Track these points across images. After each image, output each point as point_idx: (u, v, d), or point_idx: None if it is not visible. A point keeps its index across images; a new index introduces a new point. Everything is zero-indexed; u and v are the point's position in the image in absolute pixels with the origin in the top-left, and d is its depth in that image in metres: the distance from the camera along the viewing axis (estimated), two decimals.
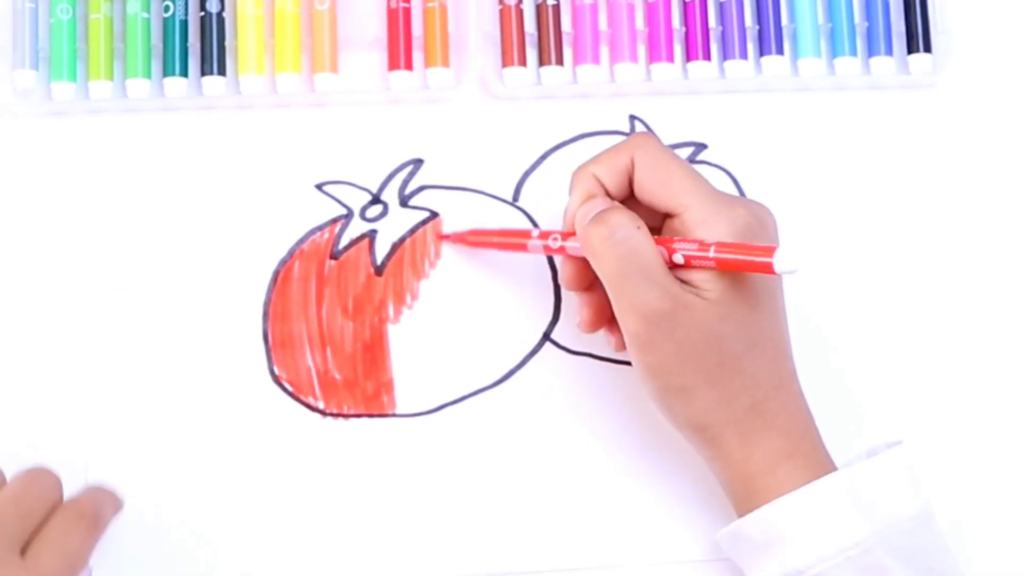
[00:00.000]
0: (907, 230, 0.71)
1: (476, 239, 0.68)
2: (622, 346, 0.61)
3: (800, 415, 0.61)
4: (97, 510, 0.61)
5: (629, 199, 0.61)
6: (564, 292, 0.69)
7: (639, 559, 0.66)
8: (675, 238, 0.59)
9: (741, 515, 0.60)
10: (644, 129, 0.71)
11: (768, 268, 0.56)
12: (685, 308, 0.58)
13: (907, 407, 0.69)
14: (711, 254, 0.57)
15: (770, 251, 0.56)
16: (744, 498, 0.60)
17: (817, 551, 0.58)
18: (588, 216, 0.59)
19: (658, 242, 0.59)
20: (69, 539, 0.59)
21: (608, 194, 0.61)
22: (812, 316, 0.69)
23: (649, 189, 0.60)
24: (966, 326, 0.70)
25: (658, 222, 0.61)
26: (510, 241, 0.66)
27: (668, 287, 0.58)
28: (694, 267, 0.58)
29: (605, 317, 0.63)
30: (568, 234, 0.62)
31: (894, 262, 0.70)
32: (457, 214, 0.70)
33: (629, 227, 0.58)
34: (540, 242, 0.64)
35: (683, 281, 0.58)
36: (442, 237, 0.69)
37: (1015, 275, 0.70)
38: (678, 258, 0.58)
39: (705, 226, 0.58)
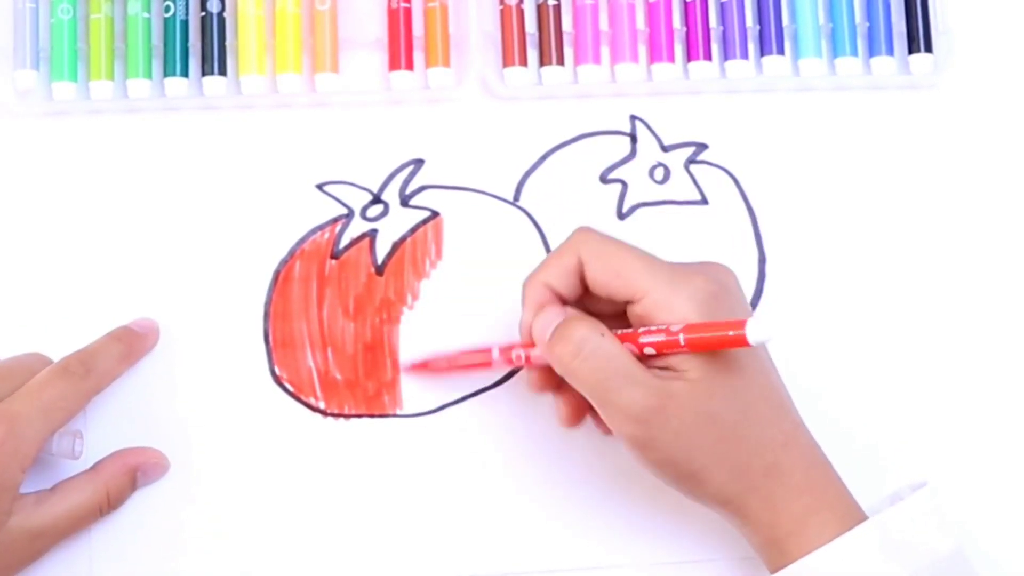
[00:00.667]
0: (907, 230, 0.71)
1: (438, 365, 0.67)
2: (609, 431, 0.60)
3: (816, 466, 0.60)
4: (87, 367, 0.63)
5: (584, 296, 0.61)
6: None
7: (639, 559, 0.66)
8: (640, 330, 0.58)
9: (774, 572, 0.59)
10: (646, 130, 0.71)
11: (742, 341, 0.55)
12: (671, 397, 0.57)
13: (920, 425, 0.69)
14: (681, 339, 0.57)
15: (740, 324, 0.55)
16: (777, 558, 0.59)
17: None
18: (547, 331, 0.59)
19: (625, 338, 0.58)
20: (46, 389, 0.62)
21: (563, 298, 0.60)
22: (813, 325, 0.69)
23: (603, 283, 0.59)
24: (965, 326, 0.70)
25: (620, 308, 0.60)
26: (472, 362, 0.65)
27: (649, 383, 0.57)
28: (666, 355, 0.58)
29: (583, 408, 0.62)
30: (529, 345, 0.61)
31: (894, 263, 0.70)
32: (458, 214, 0.69)
33: (594, 337, 0.58)
34: (503, 359, 0.63)
35: (661, 368, 0.58)
36: (406, 370, 0.67)
37: (1016, 276, 0.70)
38: (649, 350, 0.58)
39: (667, 308, 0.58)
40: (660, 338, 0.57)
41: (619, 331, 0.59)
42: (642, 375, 0.57)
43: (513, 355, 0.62)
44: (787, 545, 0.58)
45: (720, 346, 0.57)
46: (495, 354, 0.64)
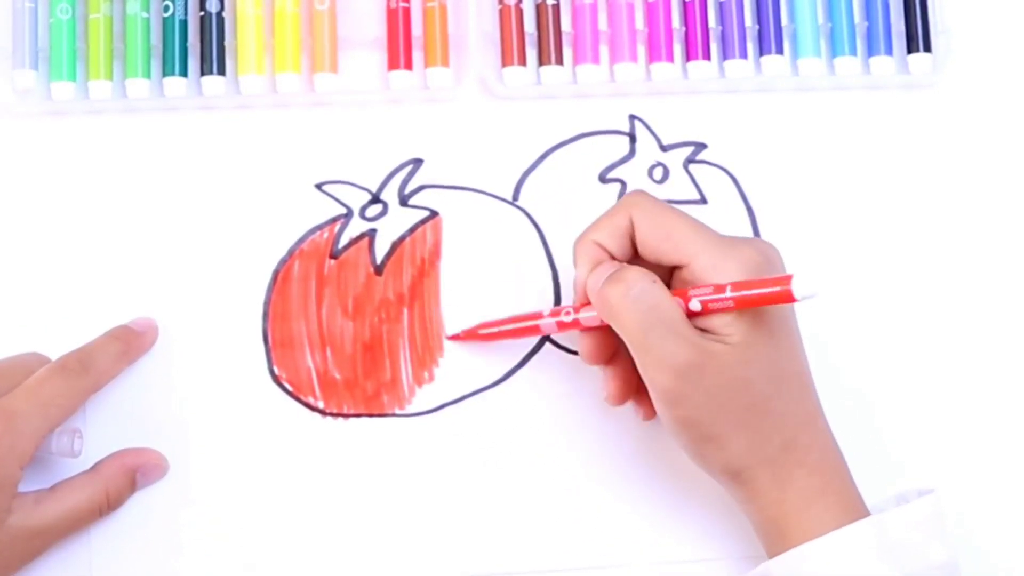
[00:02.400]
0: (907, 230, 0.71)
1: (487, 332, 0.67)
2: (652, 414, 0.61)
3: (830, 450, 0.60)
4: (85, 365, 0.63)
5: (634, 259, 0.61)
6: (564, 293, 0.69)
7: (639, 559, 0.66)
8: (689, 287, 0.59)
9: (771, 555, 0.60)
10: (645, 129, 0.71)
11: (788, 297, 0.56)
12: (711, 357, 0.57)
13: (920, 425, 0.69)
14: (728, 294, 0.57)
15: (787, 280, 0.56)
16: (776, 539, 0.59)
17: None
18: (601, 280, 0.59)
19: (675, 294, 0.58)
20: (44, 386, 0.62)
21: (613, 257, 0.61)
22: (819, 324, 0.69)
23: (653, 246, 0.60)
24: (964, 325, 0.70)
25: (666, 276, 0.60)
26: (522, 326, 0.65)
27: (692, 338, 0.58)
28: (712, 312, 0.58)
29: (632, 387, 0.62)
30: (581, 306, 0.62)
31: (894, 263, 0.70)
32: (457, 214, 0.69)
33: (645, 282, 0.58)
34: (552, 319, 0.63)
35: (703, 330, 0.58)
36: (451, 338, 0.68)
37: (1017, 276, 0.70)
38: (695, 305, 0.58)
39: (715, 271, 0.58)
40: (708, 292, 0.58)
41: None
42: (686, 329, 0.58)
43: (563, 314, 0.62)
44: (788, 523, 0.59)
45: (766, 302, 0.57)
46: (545, 315, 0.64)
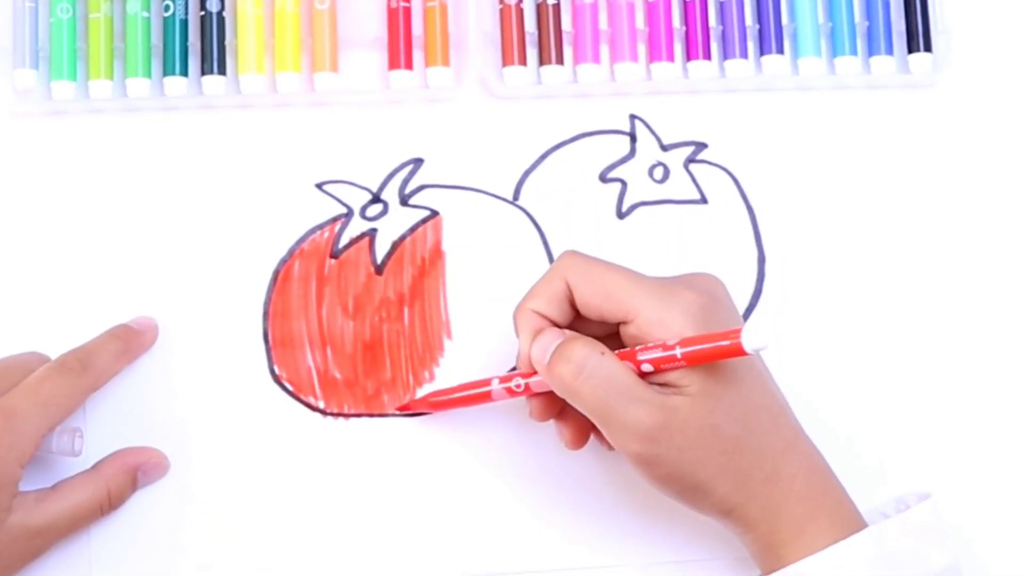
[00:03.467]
0: (907, 230, 0.71)
1: (437, 400, 0.66)
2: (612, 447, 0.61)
3: (816, 472, 0.60)
4: (84, 364, 0.63)
5: (576, 319, 0.61)
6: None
7: (638, 559, 0.66)
8: (637, 348, 0.58)
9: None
10: (646, 129, 0.71)
11: (738, 350, 0.55)
12: (674, 413, 0.57)
13: (920, 424, 0.69)
14: (678, 352, 0.57)
15: (736, 334, 0.55)
16: (774, 566, 0.59)
17: None
18: (546, 353, 0.59)
19: (623, 357, 0.58)
20: (43, 384, 0.62)
21: (555, 323, 0.60)
22: (813, 324, 0.69)
23: (595, 306, 0.59)
24: (964, 325, 0.70)
25: (612, 329, 0.60)
26: (472, 394, 0.65)
27: (653, 399, 0.57)
28: (664, 370, 0.57)
29: (587, 432, 0.62)
30: (528, 374, 0.61)
31: (894, 262, 0.70)
32: (457, 213, 0.69)
33: (595, 356, 0.58)
34: (502, 386, 0.63)
35: (660, 385, 0.58)
36: (400, 408, 0.67)
37: (1016, 276, 0.70)
38: (647, 367, 0.58)
39: (661, 325, 0.58)
40: (658, 354, 0.57)
41: (616, 351, 0.58)
42: (645, 392, 0.57)
43: (513, 384, 0.62)
44: (784, 551, 0.59)
45: (717, 357, 0.56)
46: (495, 385, 0.63)
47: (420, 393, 0.67)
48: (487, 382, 0.64)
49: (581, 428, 0.62)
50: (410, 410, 0.67)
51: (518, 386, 0.62)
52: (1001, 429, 0.69)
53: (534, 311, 0.60)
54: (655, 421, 0.57)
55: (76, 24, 0.70)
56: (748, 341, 0.55)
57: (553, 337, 0.59)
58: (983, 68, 0.73)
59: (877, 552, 0.58)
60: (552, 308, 0.60)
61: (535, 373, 0.60)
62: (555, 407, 0.62)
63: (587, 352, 0.58)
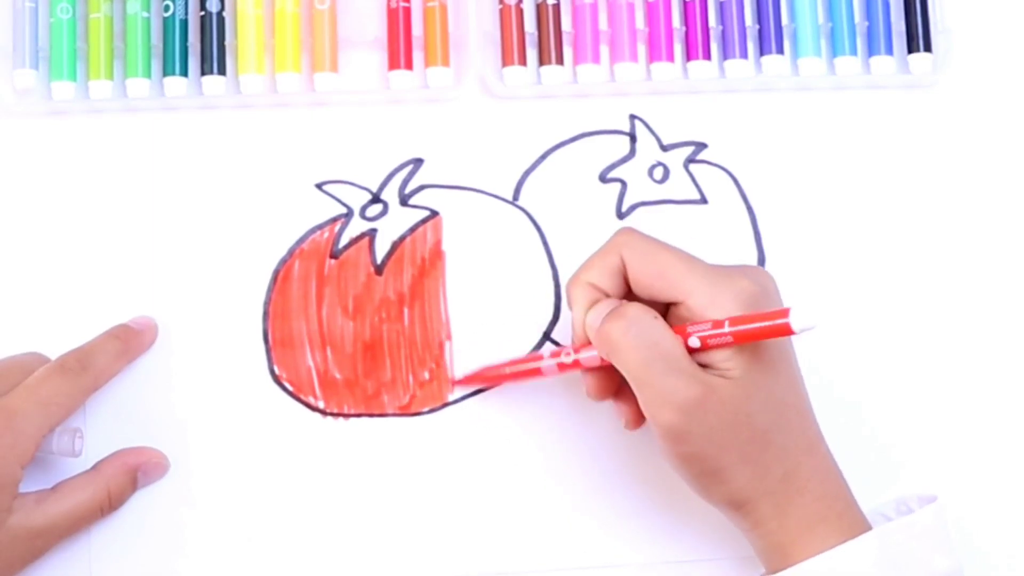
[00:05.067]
0: (907, 230, 0.71)
1: (491, 374, 0.67)
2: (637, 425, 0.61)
3: (831, 476, 0.60)
4: (84, 364, 0.64)
5: (628, 296, 0.61)
6: (564, 292, 0.69)
7: (639, 559, 0.66)
8: (686, 323, 0.58)
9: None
10: (646, 129, 0.71)
11: (787, 330, 0.56)
12: (713, 392, 0.57)
13: (921, 425, 0.69)
14: (727, 329, 0.57)
15: (785, 313, 0.56)
16: (779, 562, 0.59)
17: None
18: (600, 317, 0.59)
19: (672, 330, 0.58)
20: (43, 385, 0.62)
21: (608, 297, 0.60)
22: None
23: (647, 284, 0.60)
24: (963, 325, 0.70)
25: (661, 310, 0.60)
26: (523, 368, 0.65)
27: (694, 373, 0.57)
28: (711, 347, 0.58)
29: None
30: (580, 347, 0.61)
31: (893, 262, 0.70)
32: (457, 213, 0.69)
33: (646, 318, 0.58)
34: (553, 361, 0.63)
35: (703, 365, 0.58)
36: (455, 382, 0.67)
37: (1016, 275, 0.70)
38: (694, 342, 0.58)
39: (711, 307, 0.58)
40: (706, 328, 0.57)
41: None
42: (688, 365, 0.58)
43: (563, 356, 0.62)
44: (790, 550, 0.59)
45: (765, 336, 0.57)
46: (545, 359, 0.63)
47: (459, 372, 0.67)
48: (538, 357, 0.64)
49: (639, 411, 0.62)
50: (464, 384, 0.67)
51: (567, 355, 0.62)
52: (1004, 429, 0.69)
53: (589, 283, 0.61)
54: (693, 395, 0.57)
55: (76, 24, 0.70)
56: (797, 320, 0.55)
57: (608, 304, 0.59)
58: (983, 68, 0.73)
59: (881, 554, 0.58)
60: (606, 281, 0.60)
61: (587, 346, 0.61)
62: (612, 385, 0.62)
63: (641, 314, 0.58)
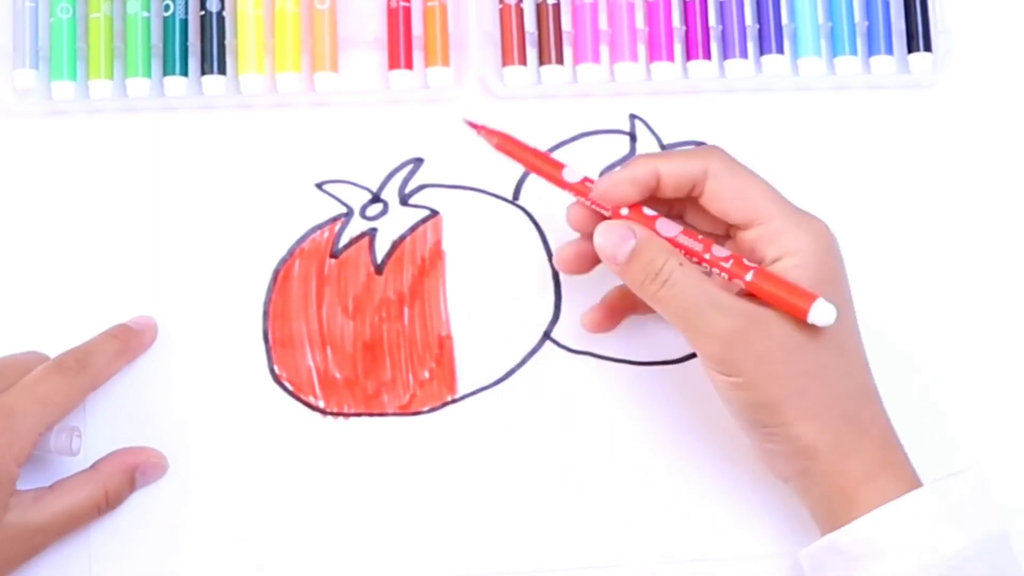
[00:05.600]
0: (907, 230, 0.71)
1: (509, 146, 0.63)
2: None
3: (890, 431, 0.60)
4: (82, 363, 0.64)
5: (688, 208, 0.61)
6: (564, 292, 0.69)
7: (639, 559, 0.66)
8: (714, 248, 0.59)
9: (831, 527, 0.59)
10: (646, 129, 0.71)
11: (801, 312, 0.57)
12: (755, 321, 0.57)
13: (921, 424, 0.68)
14: (748, 278, 0.58)
15: (812, 297, 0.56)
16: (840, 511, 0.58)
17: (920, 560, 0.57)
18: (621, 249, 0.59)
19: (689, 234, 0.59)
20: (41, 384, 0.62)
21: (659, 192, 0.60)
22: None
23: (727, 199, 0.60)
24: (963, 325, 0.70)
25: (721, 231, 0.61)
26: (544, 163, 0.62)
27: (735, 306, 0.58)
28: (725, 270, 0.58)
29: (618, 312, 0.65)
30: (593, 194, 0.61)
31: (893, 262, 0.70)
32: (457, 213, 0.70)
33: (676, 268, 0.58)
34: (579, 175, 0.61)
35: (750, 294, 0.58)
36: (469, 122, 0.63)
37: (1017, 275, 0.70)
38: (711, 269, 0.59)
39: (787, 237, 0.58)
40: (730, 265, 0.58)
41: (685, 230, 0.59)
42: (727, 300, 0.58)
43: (585, 183, 0.61)
44: (854, 495, 0.58)
45: (779, 305, 0.57)
46: (568, 169, 0.62)
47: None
48: (560, 165, 0.62)
49: (614, 300, 0.64)
50: (478, 131, 0.63)
51: (586, 181, 0.61)
52: (1004, 431, 0.69)
53: (655, 168, 0.60)
54: (733, 327, 0.57)
55: (76, 24, 0.70)
56: (816, 312, 0.56)
57: (626, 234, 0.59)
58: (983, 68, 0.73)
59: (941, 508, 0.57)
60: (675, 179, 0.60)
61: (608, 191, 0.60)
62: (592, 224, 0.61)
63: (670, 265, 0.58)
